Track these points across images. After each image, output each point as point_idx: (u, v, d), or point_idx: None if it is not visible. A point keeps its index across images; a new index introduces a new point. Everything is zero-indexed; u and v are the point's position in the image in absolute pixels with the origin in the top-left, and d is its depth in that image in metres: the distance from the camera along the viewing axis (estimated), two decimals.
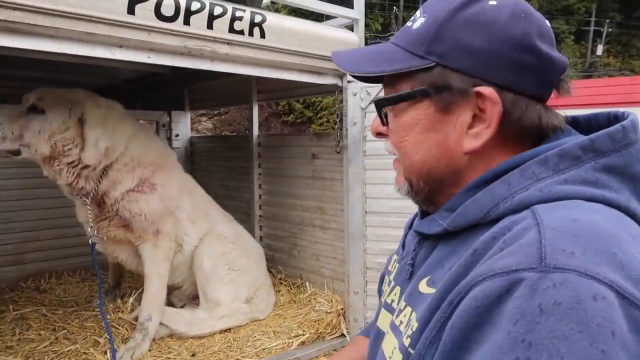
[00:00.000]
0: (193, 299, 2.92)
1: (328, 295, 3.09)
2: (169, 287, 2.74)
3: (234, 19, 2.15)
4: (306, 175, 3.33)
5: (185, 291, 2.95)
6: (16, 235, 3.51)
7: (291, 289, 3.36)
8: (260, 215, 3.81)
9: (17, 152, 2.29)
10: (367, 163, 2.79)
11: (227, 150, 4.30)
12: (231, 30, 2.16)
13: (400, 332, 0.70)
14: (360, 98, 2.75)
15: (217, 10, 2.09)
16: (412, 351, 0.63)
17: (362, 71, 0.74)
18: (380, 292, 0.98)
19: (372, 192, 2.79)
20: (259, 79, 3.49)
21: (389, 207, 2.73)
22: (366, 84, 2.67)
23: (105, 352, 2.36)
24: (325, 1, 2.70)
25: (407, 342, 0.66)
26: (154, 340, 2.51)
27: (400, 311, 0.73)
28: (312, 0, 2.62)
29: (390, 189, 2.59)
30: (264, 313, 2.92)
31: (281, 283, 3.45)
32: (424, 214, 0.79)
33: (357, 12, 2.80)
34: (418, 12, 0.73)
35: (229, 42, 2.17)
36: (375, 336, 0.84)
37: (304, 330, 2.73)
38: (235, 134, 11.11)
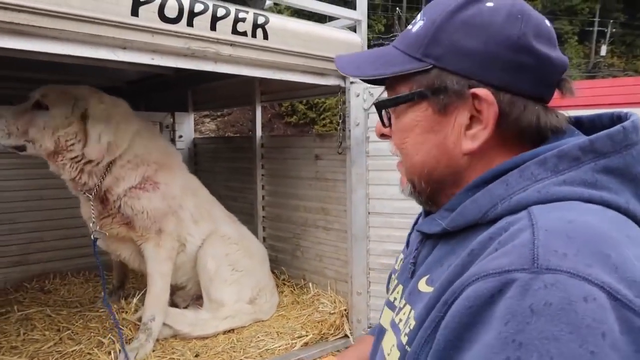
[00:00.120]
0: (196, 300, 2.93)
1: (331, 296, 3.10)
2: (173, 287, 2.75)
3: (237, 20, 2.16)
4: (309, 176, 3.33)
5: (188, 291, 2.96)
6: (21, 236, 3.53)
7: (294, 289, 3.37)
8: (263, 216, 3.82)
9: (22, 148, 2.33)
10: (370, 164, 2.79)
11: (230, 152, 4.31)
12: (234, 31, 2.17)
13: (399, 330, 0.71)
14: (363, 99, 2.75)
15: (220, 12, 2.10)
16: (409, 349, 0.64)
17: (362, 74, 0.76)
18: (388, 290, 0.99)
19: (375, 193, 2.79)
20: (262, 80, 3.50)
21: (392, 208, 2.73)
22: (369, 85, 2.67)
23: (110, 353, 2.37)
24: (328, 2, 2.71)
25: (404, 340, 0.67)
26: (157, 340, 2.52)
27: (400, 309, 0.74)
28: (315, 1, 2.63)
29: (393, 190, 2.59)
30: (267, 314, 2.93)
31: (284, 284, 3.46)
32: (427, 213, 0.80)
33: (360, 13, 2.80)
34: (419, 16, 0.74)
35: (232, 44, 2.18)
36: (378, 333, 0.85)
37: (307, 331, 2.74)
38: (238, 135, 11.11)
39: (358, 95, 2.76)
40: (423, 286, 0.70)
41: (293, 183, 3.48)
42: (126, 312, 2.80)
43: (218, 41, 2.12)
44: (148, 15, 1.88)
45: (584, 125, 0.72)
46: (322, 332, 2.77)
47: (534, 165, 0.62)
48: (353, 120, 2.78)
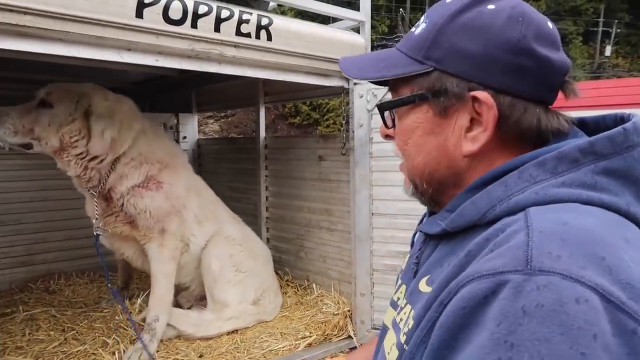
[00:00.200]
0: (200, 300, 2.94)
1: (335, 297, 3.10)
2: (177, 288, 2.76)
3: (241, 21, 2.17)
4: (313, 177, 3.33)
5: (192, 292, 2.96)
6: (26, 237, 3.55)
7: (298, 290, 3.37)
8: (267, 217, 3.82)
9: (29, 146, 2.36)
10: (374, 165, 2.79)
11: (234, 152, 4.32)
12: (238, 33, 2.17)
13: (399, 329, 0.71)
14: (366, 100, 2.75)
15: (224, 14, 2.11)
16: (406, 348, 0.65)
17: (365, 77, 0.77)
18: None
19: (379, 194, 2.79)
20: (265, 81, 3.50)
21: (395, 208, 2.72)
22: (373, 86, 2.67)
23: (114, 353, 2.38)
24: (332, 4, 2.71)
25: (403, 339, 0.67)
26: (161, 341, 2.53)
27: (402, 309, 0.75)
28: (319, 3, 2.63)
29: (397, 191, 2.59)
30: (271, 315, 2.93)
31: (288, 285, 3.46)
32: (431, 213, 0.81)
33: (364, 14, 2.80)
34: (422, 18, 0.74)
35: (236, 45, 2.19)
36: (381, 332, 0.86)
37: (310, 332, 2.74)
38: (242, 136, 11.14)
39: (361, 97, 2.76)
40: (423, 286, 0.71)
41: (297, 184, 3.49)
42: (131, 312, 2.81)
43: (222, 42, 2.13)
44: (152, 17, 1.89)
45: (588, 126, 0.72)
46: (325, 333, 2.77)
47: (533, 167, 0.62)
48: (356, 121, 2.78)
